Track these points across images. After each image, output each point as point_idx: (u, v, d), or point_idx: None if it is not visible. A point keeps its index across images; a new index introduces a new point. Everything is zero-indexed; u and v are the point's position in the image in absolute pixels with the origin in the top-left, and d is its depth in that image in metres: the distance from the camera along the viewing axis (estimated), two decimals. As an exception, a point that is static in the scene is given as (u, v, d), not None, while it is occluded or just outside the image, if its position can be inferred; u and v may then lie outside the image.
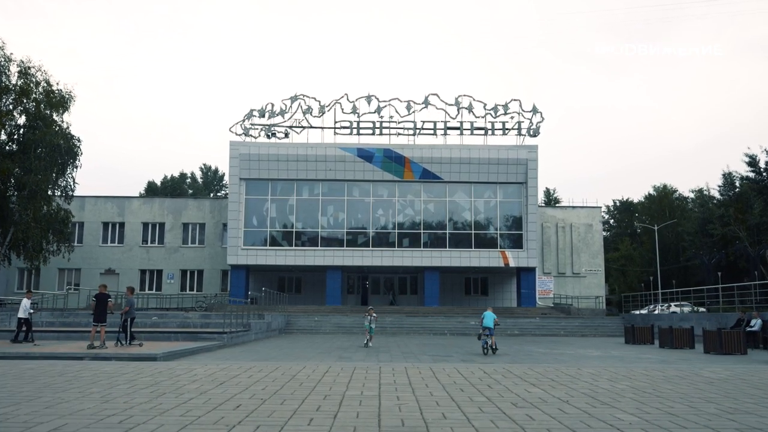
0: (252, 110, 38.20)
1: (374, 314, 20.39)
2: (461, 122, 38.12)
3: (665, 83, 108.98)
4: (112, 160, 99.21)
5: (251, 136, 38.14)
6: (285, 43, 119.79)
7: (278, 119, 38.13)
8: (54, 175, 33.49)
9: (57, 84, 33.52)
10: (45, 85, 33.33)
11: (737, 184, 57.96)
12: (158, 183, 77.15)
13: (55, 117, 33.58)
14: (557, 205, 61.62)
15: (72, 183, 34.15)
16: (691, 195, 72.25)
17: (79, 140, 33.88)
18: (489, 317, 16.32)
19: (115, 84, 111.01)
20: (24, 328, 16.63)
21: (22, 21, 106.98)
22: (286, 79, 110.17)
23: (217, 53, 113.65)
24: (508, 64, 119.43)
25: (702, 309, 35.61)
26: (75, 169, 33.86)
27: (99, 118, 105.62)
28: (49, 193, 33.76)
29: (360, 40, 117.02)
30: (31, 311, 17.18)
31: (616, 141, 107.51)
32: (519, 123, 38.22)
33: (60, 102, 33.50)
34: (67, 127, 34.21)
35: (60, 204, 33.92)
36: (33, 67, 33.12)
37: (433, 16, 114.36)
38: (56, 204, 33.48)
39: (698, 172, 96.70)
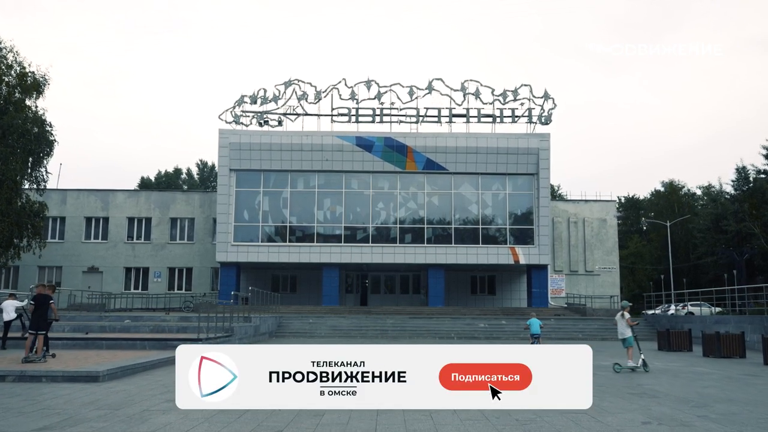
0: (243, 96, 35.53)
1: (628, 313, 13.31)
2: (467, 109, 35.44)
3: (665, 80, 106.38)
4: (110, 158, 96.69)
5: (242, 123, 35.49)
6: (280, 26, 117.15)
7: (271, 106, 35.45)
8: (29, 165, 30.92)
9: (29, 66, 30.94)
10: (18, 68, 30.76)
11: (751, 178, 55.54)
12: (152, 179, 74.56)
13: (28, 102, 30.99)
14: (567, 198, 58.90)
15: (45, 173, 31.51)
16: (698, 191, 70.02)
17: (51, 125, 31.24)
18: (535, 323, 16.72)
19: (112, 81, 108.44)
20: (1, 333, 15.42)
21: (19, 18, 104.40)
22: (280, 64, 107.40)
23: (214, 46, 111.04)
24: (506, 60, 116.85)
25: (719, 309, 33.10)
26: (48, 159, 31.22)
27: (95, 115, 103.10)
28: (26, 186, 31.23)
29: (358, 23, 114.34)
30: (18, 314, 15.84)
31: (617, 138, 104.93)
32: (529, 110, 35.55)
33: (34, 85, 30.87)
34: (43, 113, 31.65)
35: (30, 196, 31.30)
36: (5, 48, 30.54)
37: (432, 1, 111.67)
38: (26, 196, 30.83)
39: (703, 169, 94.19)
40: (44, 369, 10.51)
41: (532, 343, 16.64)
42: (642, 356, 12.82)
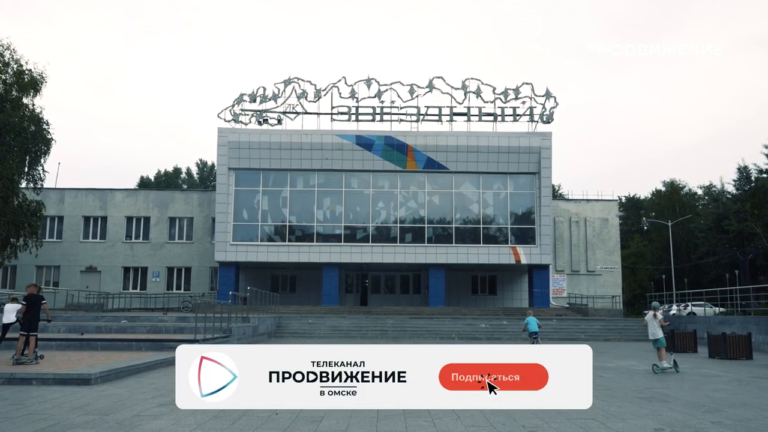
0: (242, 94, 35.25)
1: (660, 314, 13.52)
2: (468, 107, 35.12)
3: (665, 80, 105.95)
4: (109, 158, 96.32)
5: (241, 122, 35.19)
6: (280, 25, 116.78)
7: (270, 104, 35.13)
8: (26, 164, 30.64)
9: (26, 63, 30.65)
10: (15, 66, 30.46)
11: (753, 177, 55.24)
12: (152, 178, 74.21)
13: (25, 100, 30.68)
14: (568, 198, 58.71)
15: (41, 172, 31.21)
16: (699, 191, 69.73)
17: (48, 123, 30.93)
18: (533, 322, 16.83)
19: (112, 81, 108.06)
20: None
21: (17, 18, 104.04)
22: (280, 62, 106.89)
23: (214, 45, 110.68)
24: (506, 60, 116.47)
25: (722, 309, 32.87)
26: (45, 157, 30.94)
27: (95, 115, 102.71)
28: (23, 185, 30.94)
29: (358, 21, 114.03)
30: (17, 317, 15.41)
31: (617, 138, 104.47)
32: (531, 108, 35.23)
33: (31, 83, 30.56)
34: (40, 112, 31.34)
35: (27, 195, 31.01)
36: (1, 46, 30.21)
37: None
38: (22, 195, 30.53)
39: (704, 169, 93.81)
40: (35, 371, 10.23)
41: (532, 343, 16.71)
42: (673, 357, 13.08)
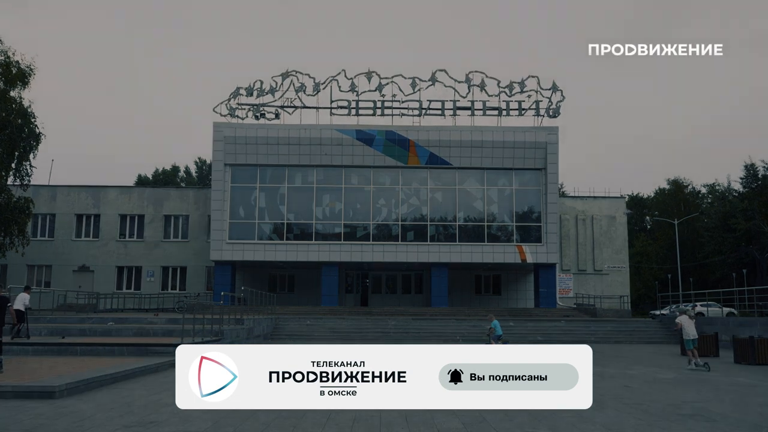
0: (239, 88, 34.16)
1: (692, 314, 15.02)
2: (472, 101, 34.02)
3: (667, 79, 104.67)
4: (107, 158, 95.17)
5: (238, 116, 34.15)
6: (279, 16, 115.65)
7: (268, 98, 34.06)
8: (15, 159, 29.56)
9: (14, 55, 29.55)
10: (2, 57, 29.37)
11: (760, 175, 54.17)
12: (150, 177, 73.04)
13: (12, 93, 29.56)
14: (574, 195, 57.55)
15: (29, 168, 30.10)
16: (704, 190, 68.69)
17: (35, 117, 29.82)
18: (498, 324, 17.76)
19: (111, 79, 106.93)
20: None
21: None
22: (278, 54, 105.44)
23: (213, 41, 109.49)
24: (509, 54, 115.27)
25: (729, 309, 31.78)
26: (34, 152, 29.84)
27: (93, 113, 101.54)
28: (9, 181, 29.86)
29: (359, 12, 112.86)
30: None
31: (618, 137, 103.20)
32: (537, 102, 34.17)
33: (18, 76, 29.45)
34: (29, 105, 30.23)
35: (13, 192, 29.90)
36: (-12, 36, 29.20)
37: None
38: (8, 191, 29.43)
39: (707, 167, 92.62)
40: (-7, 383, 9.09)
41: (504, 343, 16.86)
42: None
